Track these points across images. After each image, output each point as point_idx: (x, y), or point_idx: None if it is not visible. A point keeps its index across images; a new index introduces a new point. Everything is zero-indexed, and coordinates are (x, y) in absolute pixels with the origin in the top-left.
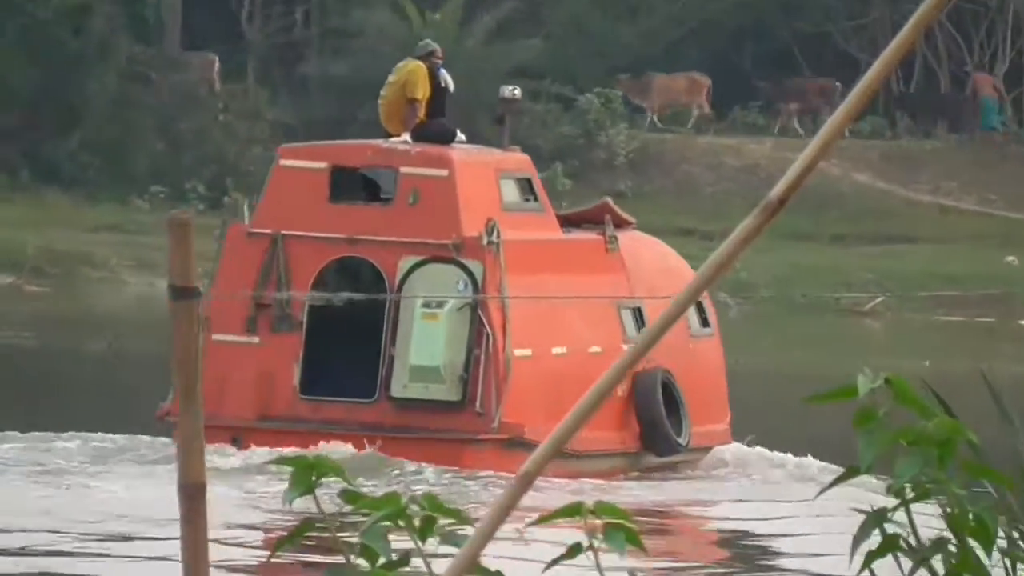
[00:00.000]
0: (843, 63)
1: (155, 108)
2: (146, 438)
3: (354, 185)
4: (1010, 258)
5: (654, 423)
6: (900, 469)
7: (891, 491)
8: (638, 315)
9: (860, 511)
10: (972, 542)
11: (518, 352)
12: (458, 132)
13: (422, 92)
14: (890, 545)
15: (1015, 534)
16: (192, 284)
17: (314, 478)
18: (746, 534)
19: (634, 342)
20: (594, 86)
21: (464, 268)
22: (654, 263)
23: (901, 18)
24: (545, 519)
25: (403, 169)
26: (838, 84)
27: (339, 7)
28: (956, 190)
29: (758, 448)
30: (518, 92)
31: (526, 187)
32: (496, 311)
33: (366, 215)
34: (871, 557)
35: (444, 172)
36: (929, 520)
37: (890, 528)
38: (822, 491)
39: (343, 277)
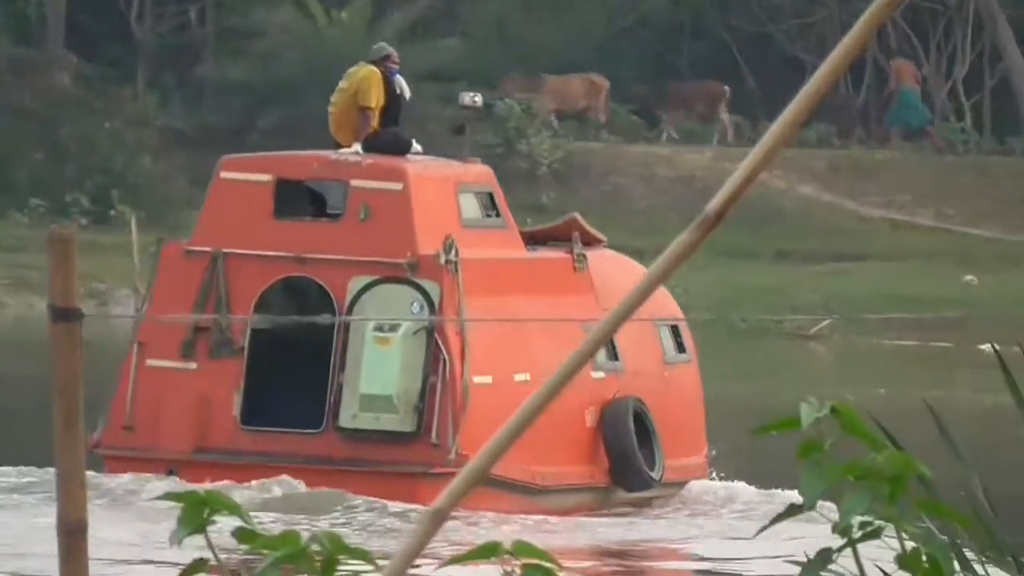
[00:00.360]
0: (788, 65)
1: (35, 114)
2: (28, 469)
3: (301, 200)
4: (968, 277)
5: (625, 456)
6: (847, 505)
7: (837, 530)
8: (608, 340)
9: (795, 562)
10: None
11: (477, 379)
12: (414, 143)
13: (375, 99)
14: None
15: None
16: (74, 305)
17: (206, 515)
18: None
19: (604, 369)
20: (515, 91)
21: (419, 289)
22: (626, 283)
23: (851, 17)
24: (459, 560)
25: (353, 182)
26: (727, 88)
27: (238, 5)
28: (910, 204)
29: (738, 483)
30: (479, 99)
31: (487, 202)
32: (454, 335)
33: (314, 232)
34: None
35: (398, 185)
36: (877, 561)
37: (835, 570)
38: (762, 529)
39: (289, 298)
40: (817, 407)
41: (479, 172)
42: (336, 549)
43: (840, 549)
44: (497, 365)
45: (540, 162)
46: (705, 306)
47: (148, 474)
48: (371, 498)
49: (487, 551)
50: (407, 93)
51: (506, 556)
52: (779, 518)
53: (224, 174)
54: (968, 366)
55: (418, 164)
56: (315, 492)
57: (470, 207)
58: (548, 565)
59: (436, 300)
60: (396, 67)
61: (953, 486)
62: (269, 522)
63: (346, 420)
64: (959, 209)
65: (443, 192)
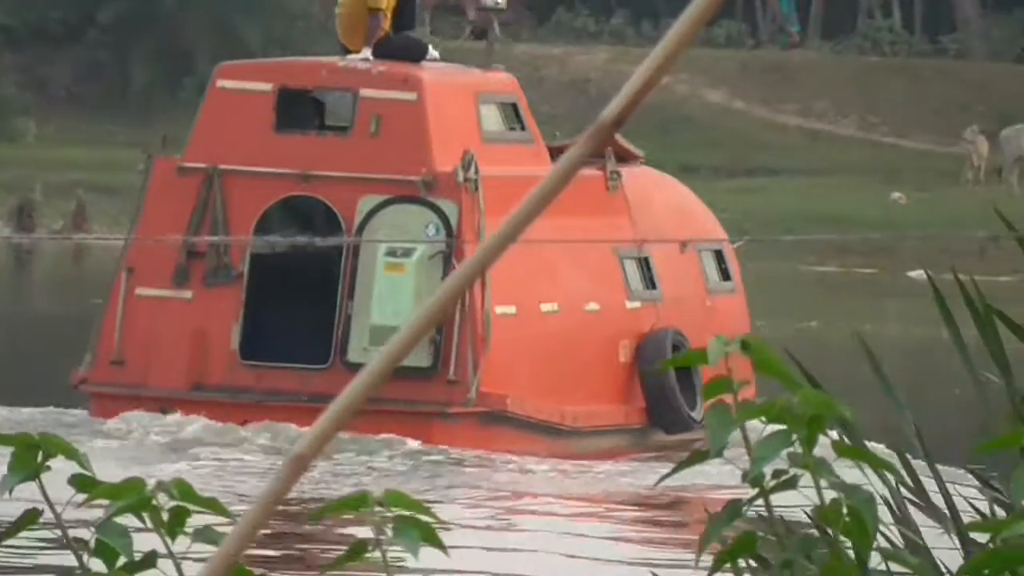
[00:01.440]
0: None
1: None
2: None
3: (305, 111)
4: (896, 195)
5: (662, 393)
6: (759, 451)
7: (748, 478)
8: (644, 266)
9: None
10: (846, 540)
11: (500, 310)
12: (431, 48)
13: (386, 0)
14: (746, 545)
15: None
16: None
17: (40, 460)
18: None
19: (640, 298)
20: None
21: (435, 209)
22: (665, 204)
23: None
24: (323, 512)
25: (363, 92)
26: None
27: None
28: (831, 111)
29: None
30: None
31: (511, 113)
32: None
33: (319, 147)
34: (723, 558)
35: (412, 95)
36: (794, 513)
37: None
38: (663, 478)
39: (292, 220)
40: (726, 341)
41: (502, 80)
42: (185, 498)
43: (751, 500)
44: (522, 294)
45: None
46: None
47: (139, 412)
48: (383, 437)
49: (355, 502)
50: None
51: (377, 508)
52: (681, 465)
53: (220, 82)
54: (896, 295)
55: (434, 71)
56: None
57: (492, 119)
58: (424, 518)
59: (454, 222)
60: None
61: (884, 429)
62: (269, 466)
63: (355, 354)
64: (885, 118)
65: (462, 103)
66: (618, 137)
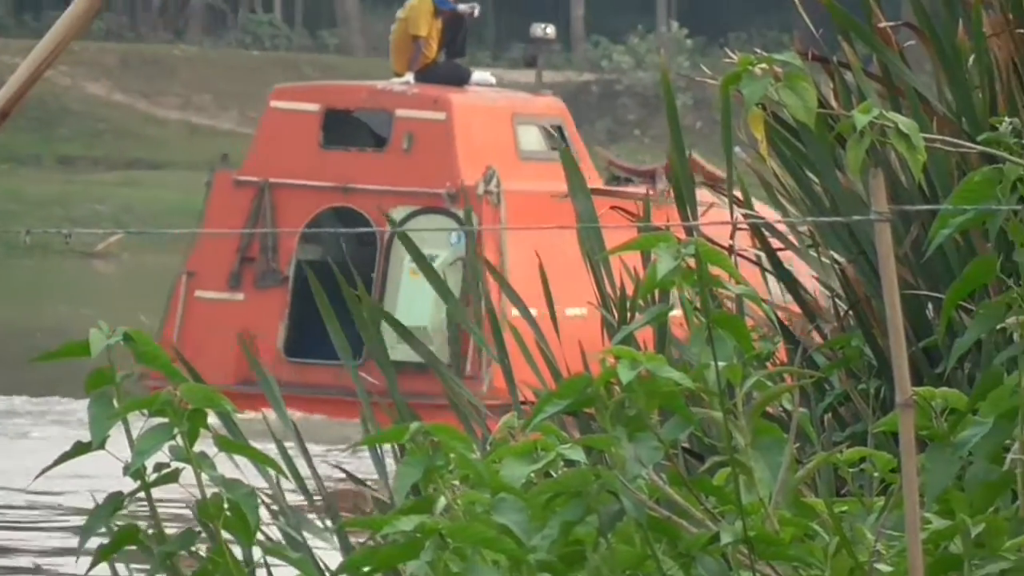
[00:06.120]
0: None
1: None
2: None
3: (349, 129)
4: None
5: None
6: (140, 444)
7: (129, 472)
8: None
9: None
10: (227, 534)
11: (517, 311)
12: (487, 74)
13: (425, 28)
14: (128, 538)
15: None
16: None
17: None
18: None
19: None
20: None
21: (458, 220)
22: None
23: None
24: None
25: (398, 112)
26: None
27: None
28: (211, 106)
29: None
30: (551, 31)
31: (556, 135)
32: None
33: (359, 162)
34: (105, 552)
35: (441, 115)
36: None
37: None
38: (43, 471)
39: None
40: (107, 333)
41: (547, 104)
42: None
43: (132, 493)
44: (543, 297)
45: None
46: None
47: None
48: None
49: None
50: (477, 11)
51: None
52: (64, 457)
53: (274, 103)
54: None
55: (468, 94)
56: (352, 423)
57: (531, 139)
58: None
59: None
60: None
61: None
62: (315, 454)
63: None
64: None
65: (496, 123)
66: (702, 161)
